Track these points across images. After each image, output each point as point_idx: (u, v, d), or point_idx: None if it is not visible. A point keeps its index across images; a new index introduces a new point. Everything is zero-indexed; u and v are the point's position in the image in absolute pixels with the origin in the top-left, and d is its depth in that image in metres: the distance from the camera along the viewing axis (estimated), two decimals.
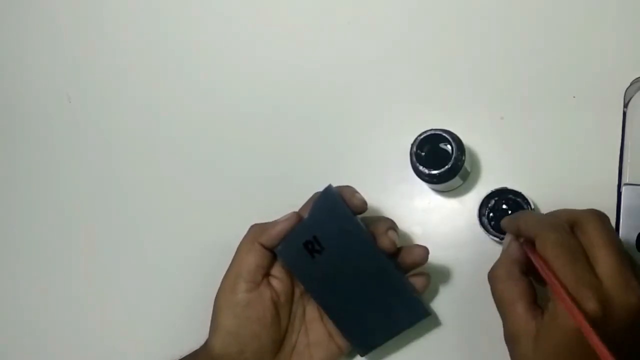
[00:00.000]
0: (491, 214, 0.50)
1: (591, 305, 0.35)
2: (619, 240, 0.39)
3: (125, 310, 0.59)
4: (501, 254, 0.43)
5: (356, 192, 0.47)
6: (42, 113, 0.65)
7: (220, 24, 0.63)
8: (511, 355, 0.40)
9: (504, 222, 0.45)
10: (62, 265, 0.61)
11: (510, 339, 0.39)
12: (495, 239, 0.49)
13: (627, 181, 0.48)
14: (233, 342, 0.46)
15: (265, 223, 0.48)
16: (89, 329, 0.59)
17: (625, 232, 0.46)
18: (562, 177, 0.51)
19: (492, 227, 0.50)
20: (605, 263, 0.37)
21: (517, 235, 0.43)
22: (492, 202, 0.50)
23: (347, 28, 0.59)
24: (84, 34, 0.66)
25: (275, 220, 0.47)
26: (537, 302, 0.40)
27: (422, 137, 0.49)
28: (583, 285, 0.36)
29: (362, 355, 0.50)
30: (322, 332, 0.49)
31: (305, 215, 0.47)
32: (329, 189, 0.47)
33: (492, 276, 0.42)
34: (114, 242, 0.61)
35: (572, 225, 0.40)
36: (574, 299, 0.35)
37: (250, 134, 0.59)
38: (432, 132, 0.48)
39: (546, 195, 0.51)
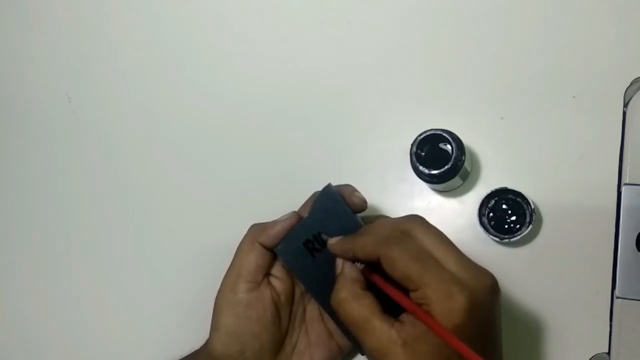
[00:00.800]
0: (491, 214, 0.50)
1: (461, 298, 0.36)
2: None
3: (125, 311, 0.59)
4: (337, 278, 0.42)
5: (355, 190, 0.47)
6: (42, 112, 0.65)
7: (220, 24, 0.62)
8: None
9: (336, 249, 0.44)
10: (61, 264, 0.61)
11: (377, 356, 0.38)
12: (496, 239, 0.49)
13: (626, 181, 0.48)
14: (234, 343, 0.46)
15: (265, 223, 0.48)
16: (89, 329, 0.59)
17: (625, 232, 0.46)
18: (562, 177, 0.51)
19: (492, 227, 0.50)
20: (450, 259, 0.39)
21: (353, 261, 0.43)
22: (492, 202, 0.50)
23: (347, 28, 0.59)
24: (84, 34, 0.66)
25: (275, 220, 0.47)
26: (385, 311, 0.40)
27: (422, 137, 0.49)
28: (447, 283, 0.37)
29: (362, 354, 0.50)
30: (322, 331, 0.49)
31: (305, 214, 0.47)
32: (328, 187, 0.47)
33: (336, 302, 0.41)
34: (113, 242, 0.61)
35: (402, 234, 0.41)
36: (429, 310, 0.37)
37: (250, 134, 0.59)
38: (432, 132, 0.48)
39: (546, 195, 0.51)
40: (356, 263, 0.43)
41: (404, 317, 0.39)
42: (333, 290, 0.42)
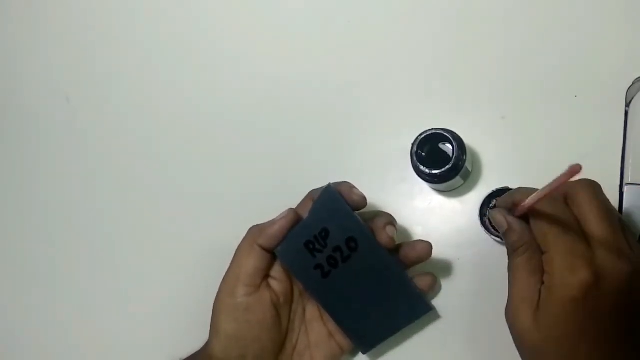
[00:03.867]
0: None
1: (583, 274, 0.36)
2: (612, 207, 0.40)
3: (125, 313, 0.59)
4: (512, 248, 0.42)
5: (354, 187, 0.47)
6: (41, 113, 0.65)
7: (221, 23, 0.62)
8: (512, 324, 0.40)
9: (500, 201, 0.45)
10: (60, 266, 0.61)
11: (515, 305, 0.40)
12: (497, 239, 0.49)
13: (629, 181, 0.47)
14: (234, 346, 0.46)
15: (263, 224, 0.48)
16: (88, 332, 0.59)
17: None
18: None
19: (494, 227, 0.50)
20: (597, 232, 0.38)
21: (510, 209, 0.43)
22: (494, 202, 0.50)
23: (347, 28, 0.59)
24: (83, 34, 0.66)
25: (273, 220, 0.47)
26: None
27: (422, 136, 0.48)
28: (575, 256, 0.37)
29: (364, 353, 0.49)
30: (322, 331, 0.49)
31: (304, 213, 0.47)
32: (328, 188, 0.46)
33: (514, 265, 0.41)
34: (112, 244, 0.60)
35: (565, 197, 0.40)
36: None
37: (250, 135, 0.59)
38: (433, 131, 0.48)
39: None
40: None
41: (546, 284, 0.39)
42: (510, 257, 0.42)
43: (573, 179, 0.35)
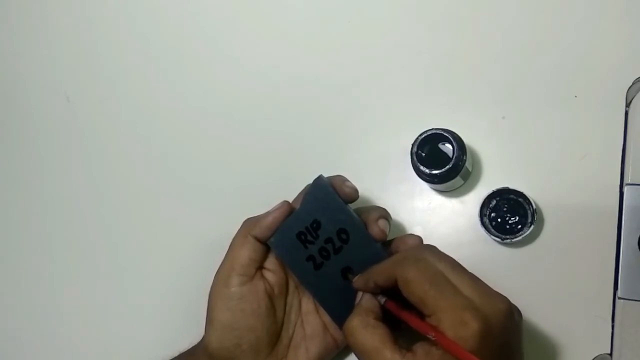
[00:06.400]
0: (492, 214, 0.50)
1: (475, 325, 0.36)
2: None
3: (122, 308, 0.59)
4: (354, 309, 0.43)
5: (346, 180, 0.47)
6: (41, 112, 0.65)
7: (222, 23, 0.62)
8: None
9: (359, 284, 0.44)
10: (59, 263, 0.61)
11: None
12: (497, 239, 0.49)
13: (629, 181, 0.47)
14: (229, 336, 0.46)
15: (258, 215, 0.48)
16: (84, 327, 0.59)
17: (627, 233, 0.46)
18: (563, 177, 0.51)
19: (494, 228, 0.50)
20: (464, 284, 0.39)
21: (376, 293, 0.43)
22: (494, 202, 0.50)
23: (348, 27, 0.59)
24: (84, 34, 0.66)
25: (267, 212, 0.47)
26: (397, 342, 0.40)
27: (422, 136, 0.48)
28: (460, 309, 0.37)
29: None
30: (318, 324, 0.49)
31: (298, 206, 0.47)
32: (319, 179, 0.46)
33: (348, 329, 0.41)
34: (110, 240, 0.61)
35: (416, 261, 0.41)
36: (452, 333, 0.37)
37: (250, 134, 0.59)
38: (433, 131, 0.48)
39: (548, 195, 0.51)
40: (380, 297, 0.43)
41: (416, 347, 0.38)
42: (347, 319, 0.42)
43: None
